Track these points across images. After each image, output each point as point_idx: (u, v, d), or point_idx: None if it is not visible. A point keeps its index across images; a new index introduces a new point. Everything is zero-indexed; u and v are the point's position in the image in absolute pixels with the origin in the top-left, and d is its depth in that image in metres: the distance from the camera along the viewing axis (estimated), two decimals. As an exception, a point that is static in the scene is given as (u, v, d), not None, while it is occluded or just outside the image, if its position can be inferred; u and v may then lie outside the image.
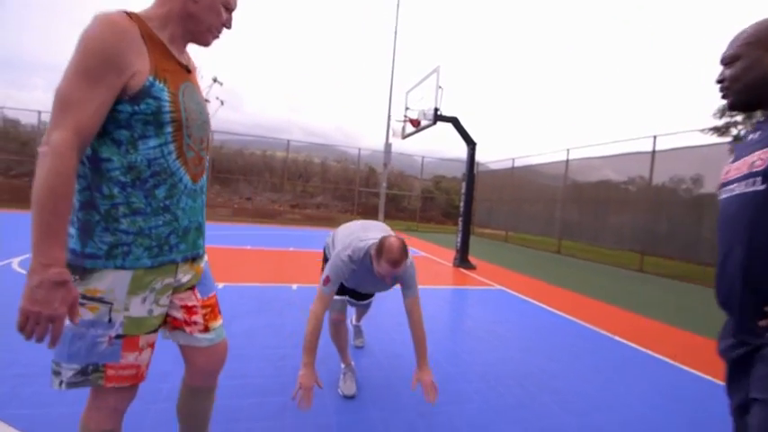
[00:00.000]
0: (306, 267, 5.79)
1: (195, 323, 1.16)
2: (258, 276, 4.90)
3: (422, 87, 6.72)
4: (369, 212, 17.76)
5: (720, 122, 10.34)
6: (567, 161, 10.55)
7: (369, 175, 20.74)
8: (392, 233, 2.14)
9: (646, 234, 8.35)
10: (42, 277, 0.78)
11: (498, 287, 5.53)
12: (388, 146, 13.89)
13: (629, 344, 3.43)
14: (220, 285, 4.27)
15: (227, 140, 20.01)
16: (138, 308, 1.00)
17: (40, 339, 0.81)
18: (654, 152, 8.24)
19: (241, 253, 6.58)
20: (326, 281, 1.85)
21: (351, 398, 2.12)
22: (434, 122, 6.03)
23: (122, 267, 0.95)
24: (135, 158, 0.93)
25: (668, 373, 2.86)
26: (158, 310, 1.06)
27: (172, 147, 0.99)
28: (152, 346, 1.07)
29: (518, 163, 13.09)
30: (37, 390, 1.91)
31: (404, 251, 1.77)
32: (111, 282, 0.94)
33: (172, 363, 2.07)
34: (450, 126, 6.22)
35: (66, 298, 0.81)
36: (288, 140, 15.95)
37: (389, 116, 10.79)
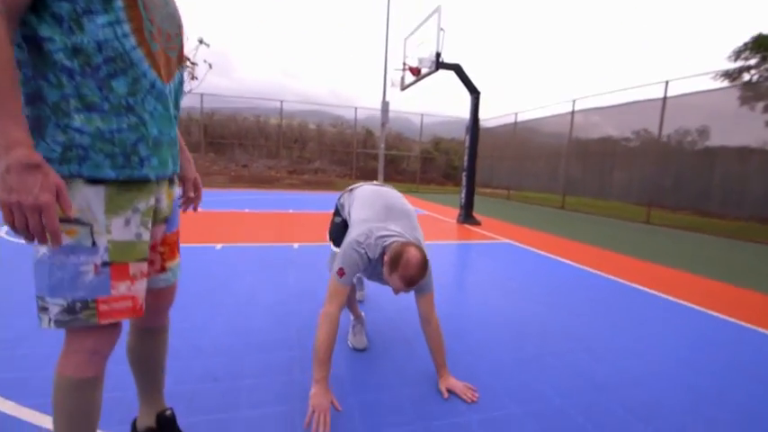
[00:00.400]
0: (306, 228, 5.61)
1: (152, 262, 1.04)
2: (258, 237, 4.72)
3: (421, 32, 6.24)
4: (368, 176, 17.45)
5: (734, 66, 9.82)
6: (573, 112, 10.14)
7: (366, 137, 20.20)
8: (417, 226, 1.80)
9: (653, 186, 8.13)
10: (8, 161, 0.65)
11: (506, 241, 5.37)
12: (385, 104, 13.35)
13: (652, 292, 3.30)
14: (218, 246, 4.09)
15: (219, 108, 19.28)
16: (121, 231, 0.87)
17: (40, 236, 0.69)
18: (665, 98, 7.85)
19: (239, 216, 6.38)
20: (341, 272, 1.55)
21: (362, 351, 1.98)
22: (436, 69, 5.63)
23: (80, 176, 0.80)
24: (81, 39, 0.76)
25: (695, 318, 2.73)
26: (147, 235, 0.92)
27: (127, 28, 0.80)
28: (146, 275, 0.94)
29: (521, 117, 12.65)
30: (25, 353, 1.75)
31: (423, 268, 1.47)
32: (82, 199, 0.82)
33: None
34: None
35: (45, 183, 0.67)
36: (281, 101, 15.34)
37: (386, 69, 10.23)
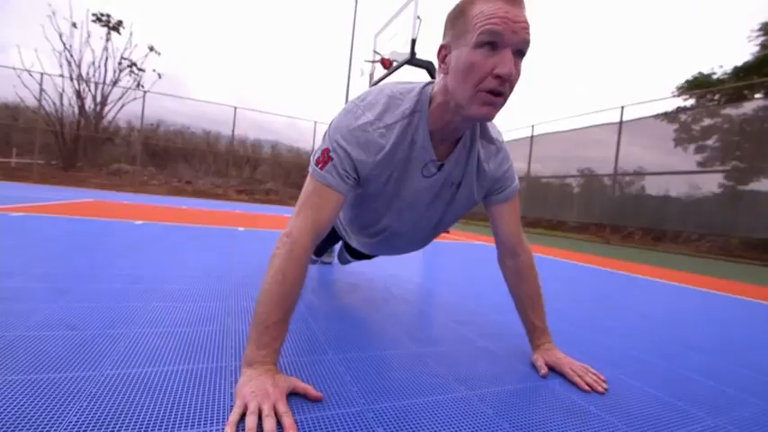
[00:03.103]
0: (256, 219, 4.75)
1: None
2: (193, 220, 3.81)
3: (394, 25, 5.95)
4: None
5: (672, 107, 10.62)
6: (532, 137, 10.32)
7: (323, 161, 19.64)
8: None
9: (612, 211, 8.24)
10: None
11: (481, 242, 4.88)
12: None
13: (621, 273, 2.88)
14: (138, 222, 3.17)
15: (166, 119, 17.87)
16: None
17: None
18: (621, 122, 8.14)
19: (173, 209, 5.36)
20: (324, 158, 0.77)
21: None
22: (411, 57, 5.27)
23: None
24: None
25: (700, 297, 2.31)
26: None
27: None
28: None
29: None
30: None
31: None
32: None
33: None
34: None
35: None
36: (235, 107, 14.28)
37: (349, 84, 9.90)
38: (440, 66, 0.75)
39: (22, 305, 0.97)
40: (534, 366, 0.89)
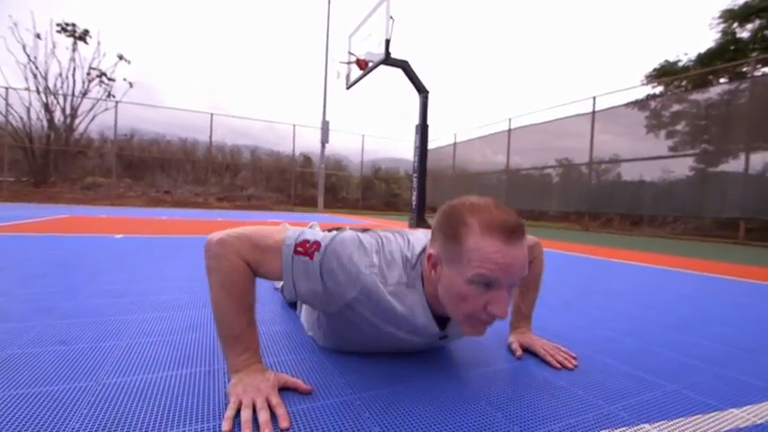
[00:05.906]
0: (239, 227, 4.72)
1: None
2: (172, 230, 3.78)
3: (368, 25, 5.98)
4: (307, 203, 16.67)
5: (642, 95, 10.95)
6: (510, 130, 10.51)
7: (305, 164, 19.56)
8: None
9: (590, 199, 8.48)
10: None
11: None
12: (325, 123, 13.00)
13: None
14: (118, 236, 3.14)
15: (140, 129, 17.46)
16: None
17: None
18: (594, 112, 8.38)
19: (151, 221, 5.28)
20: (308, 249, 0.71)
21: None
22: (386, 57, 5.31)
23: None
24: None
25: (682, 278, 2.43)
26: None
27: None
28: None
29: (459, 138, 12.93)
30: None
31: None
32: None
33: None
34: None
35: None
36: (211, 114, 14.08)
37: (326, 86, 9.88)
38: (429, 268, 0.71)
39: (9, 325, 0.98)
40: (510, 349, 0.95)
